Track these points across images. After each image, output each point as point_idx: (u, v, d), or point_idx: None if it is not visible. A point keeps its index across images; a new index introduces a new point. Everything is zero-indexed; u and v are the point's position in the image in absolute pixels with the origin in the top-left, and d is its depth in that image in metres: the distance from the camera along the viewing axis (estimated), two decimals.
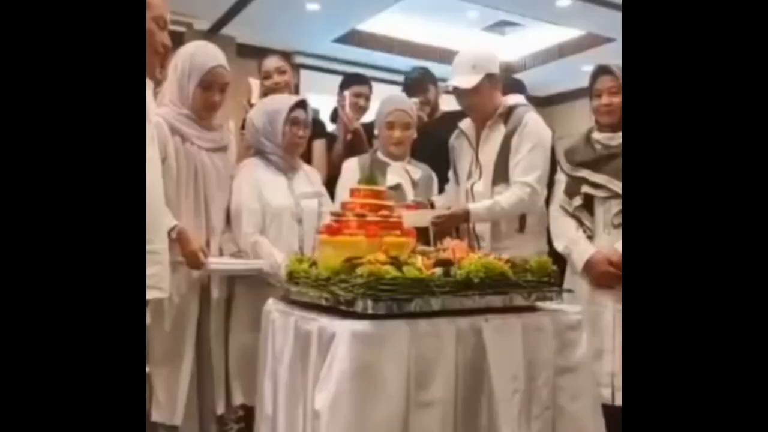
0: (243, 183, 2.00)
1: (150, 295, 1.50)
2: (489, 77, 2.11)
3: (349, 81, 2.72)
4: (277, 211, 1.99)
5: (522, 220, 2.10)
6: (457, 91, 2.17)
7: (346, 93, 2.59)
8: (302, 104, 2.08)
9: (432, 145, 2.38)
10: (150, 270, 1.49)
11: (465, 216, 2.04)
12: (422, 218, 1.84)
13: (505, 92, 2.54)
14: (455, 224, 2.06)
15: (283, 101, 2.09)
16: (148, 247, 1.49)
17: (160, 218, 1.60)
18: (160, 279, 1.54)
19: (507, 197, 2.04)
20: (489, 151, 2.14)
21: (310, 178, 2.15)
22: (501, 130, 2.12)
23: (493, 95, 2.16)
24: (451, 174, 2.34)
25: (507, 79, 2.84)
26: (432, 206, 2.13)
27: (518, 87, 2.73)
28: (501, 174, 2.09)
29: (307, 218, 2.03)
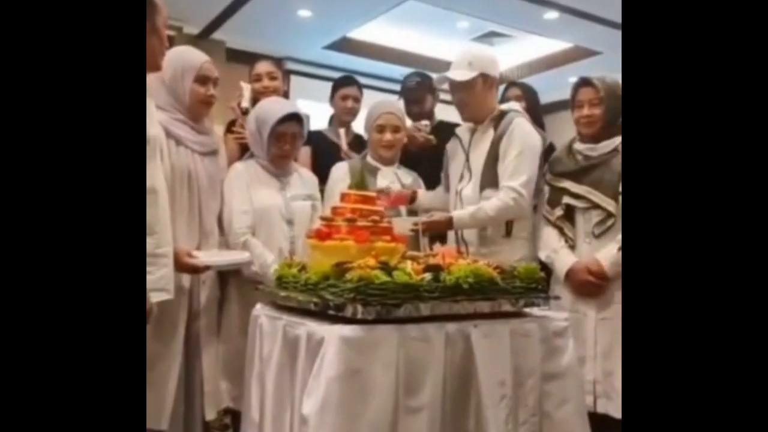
0: (234, 184, 2.01)
1: (158, 297, 1.54)
2: (483, 77, 2.11)
3: (338, 84, 2.79)
4: (265, 212, 2.00)
5: (509, 225, 2.10)
6: (451, 86, 2.17)
7: (336, 96, 2.71)
8: (292, 117, 2.04)
9: (426, 155, 2.40)
10: (159, 273, 1.54)
11: (448, 223, 2.03)
12: (402, 226, 1.84)
13: (518, 98, 2.59)
14: (438, 231, 2.05)
15: (272, 112, 2.04)
16: (158, 250, 1.55)
17: (168, 223, 1.63)
18: (168, 281, 1.58)
19: (492, 203, 2.02)
20: (479, 155, 2.13)
21: (304, 180, 2.16)
22: (490, 135, 2.12)
23: (487, 97, 2.15)
24: (442, 177, 2.32)
25: (520, 85, 2.88)
26: (414, 197, 2.12)
27: (530, 93, 2.76)
28: (489, 179, 2.09)
29: (299, 221, 2.04)
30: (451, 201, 2.19)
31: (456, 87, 2.14)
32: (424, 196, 2.20)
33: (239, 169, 2.06)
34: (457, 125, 2.32)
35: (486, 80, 2.12)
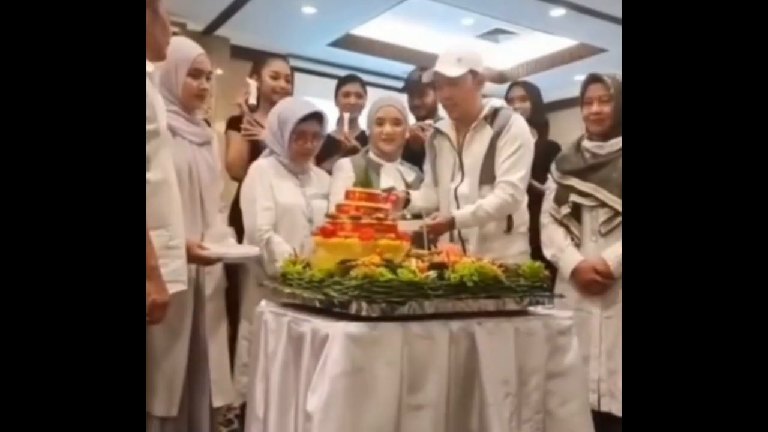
0: (256, 182, 2.04)
1: (174, 288, 1.55)
2: (473, 74, 2.09)
3: (340, 82, 2.82)
4: (288, 209, 2.04)
5: (509, 221, 2.11)
6: (438, 81, 2.12)
7: (339, 94, 2.74)
8: (314, 116, 2.08)
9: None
10: (173, 265, 1.56)
11: (451, 224, 2.04)
12: (408, 228, 1.85)
13: (522, 98, 2.59)
14: (441, 233, 2.06)
15: (294, 110, 2.07)
16: (171, 242, 1.56)
17: (180, 215, 1.65)
18: (182, 273, 1.60)
19: (490, 201, 2.03)
20: (474, 153, 2.12)
21: (319, 179, 2.20)
22: (487, 131, 2.10)
23: (476, 95, 2.14)
24: (426, 173, 2.30)
25: (524, 84, 2.90)
26: (408, 199, 2.13)
27: (533, 92, 2.77)
28: (488, 175, 2.08)
29: (318, 218, 2.05)
30: (446, 200, 2.18)
31: (445, 83, 2.09)
32: (416, 197, 2.19)
33: (263, 165, 2.09)
34: None
35: (475, 77, 2.10)
